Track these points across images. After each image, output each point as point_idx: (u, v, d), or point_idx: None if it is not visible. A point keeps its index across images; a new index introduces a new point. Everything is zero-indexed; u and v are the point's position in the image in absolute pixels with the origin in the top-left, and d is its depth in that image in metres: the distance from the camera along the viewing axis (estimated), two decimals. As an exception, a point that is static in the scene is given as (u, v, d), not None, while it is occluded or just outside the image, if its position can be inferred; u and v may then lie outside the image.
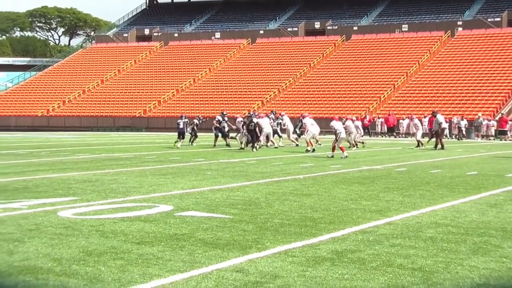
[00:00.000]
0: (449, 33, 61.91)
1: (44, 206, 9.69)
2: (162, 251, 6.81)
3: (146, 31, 74.45)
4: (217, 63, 64.60)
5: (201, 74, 62.80)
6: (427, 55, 58.93)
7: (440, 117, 28.24)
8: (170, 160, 19.25)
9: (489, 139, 41.59)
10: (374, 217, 9.26)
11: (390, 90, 54.25)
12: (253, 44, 68.06)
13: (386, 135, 47.12)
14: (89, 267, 6.05)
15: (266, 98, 56.16)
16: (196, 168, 16.67)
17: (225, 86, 59.59)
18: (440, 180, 14.36)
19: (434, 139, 28.72)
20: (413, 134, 33.29)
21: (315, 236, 7.76)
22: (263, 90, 57.78)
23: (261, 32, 69.98)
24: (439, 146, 27.31)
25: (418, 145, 28.30)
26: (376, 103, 52.66)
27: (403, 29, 65.67)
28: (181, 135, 27.86)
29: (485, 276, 6.00)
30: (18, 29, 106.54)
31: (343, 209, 10.00)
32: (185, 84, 61.10)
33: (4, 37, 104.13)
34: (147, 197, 10.97)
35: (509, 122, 42.21)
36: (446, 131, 44.29)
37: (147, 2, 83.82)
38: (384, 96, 53.51)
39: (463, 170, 17.12)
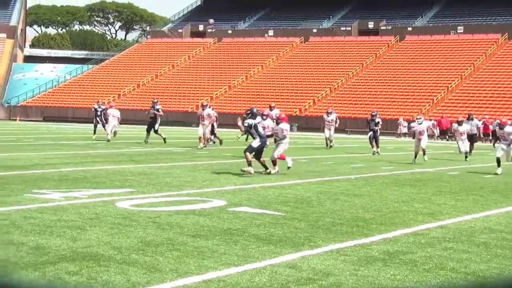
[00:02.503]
0: (506, 36, 60.69)
1: (103, 197, 10.02)
2: (216, 245, 6.99)
3: (201, 27, 75.13)
4: (269, 61, 64.77)
5: (254, 71, 63.08)
6: (482, 58, 57.92)
7: (477, 122, 27.91)
8: (222, 156, 19.49)
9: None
10: (426, 220, 9.27)
11: (443, 93, 53.54)
12: (306, 43, 67.99)
13: (439, 138, 46.52)
14: (147, 257, 6.27)
15: (318, 97, 56.09)
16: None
17: (277, 84, 59.73)
18: (494, 185, 14.21)
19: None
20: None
21: (367, 236, 7.83)
22: (315, 89, 57.71)
23: (314, 30, 69.82)
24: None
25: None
26: (429, 105, 52.05)
27: (458, 31, 64.61)
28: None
29: (539, 283, 5.99)
30: (78, 23, 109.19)
31: (395, 210, 10.03)
32: (238, 81, 61.48)
33: (64, 30, 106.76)
34: (201, 192, 11.20)
35: None
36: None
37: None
38: (437, 98, 52.84)
39: (517, 176, 16.86)
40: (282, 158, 15.20)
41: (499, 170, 16.57)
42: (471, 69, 56.33)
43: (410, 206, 10.59)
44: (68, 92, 64.30)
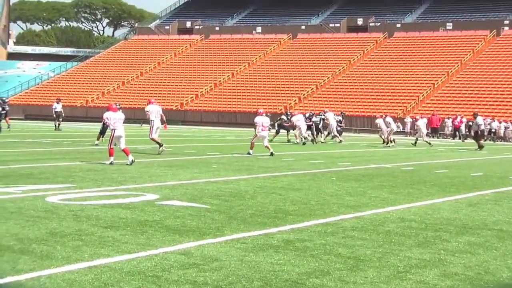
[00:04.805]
0: (495, 33, 61.00)
1: (37, 192, 10.22)
2: (123, 235, 7.30)
3: (188, 24, 75.32)
4: (256, 58, 65.05)
5: (240, 68, 63.37)
6: (470, 55, 58.25)
7: (480, 119, 28.81)
8: (183, 153, 19.80)
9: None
10: (347, 211, 9.57)
11: (429, 89, 53.86)
12: (294, 40, 68.32)
13: (430, 135, 46.01)
14: (46, 246, 6.58)
15: (304, 94, 56.42)
16: (205, 161, 17.18)
17: (263, 81, 60.05)
18: (439, 180, 14.53)
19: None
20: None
21: (277, 226, 8.14)
22: (301, 86, 58.04)
23: (303, 27, 70.16)
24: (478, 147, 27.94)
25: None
26: (415, 103, 52.36)
27: (447, 27, 64.98)
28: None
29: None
30: (64, 19, 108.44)
31: (322, 203, 10.34)
32: (223, 78, 61.76)
33: (49, 26, 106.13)
34: (140, 187, 11.51)
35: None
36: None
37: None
38: (423, 95, 53.16)
39: (470, 171, 17.22)
40: None
41: None
42: (458, 66, 56.67)
43: (340, 199, 10.91)
44: (51, 90, 64.29)
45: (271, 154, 19.72)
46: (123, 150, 15.61)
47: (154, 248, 6.71)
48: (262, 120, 20.39)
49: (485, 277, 6.04)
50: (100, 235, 7.24)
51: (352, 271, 6.06)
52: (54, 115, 34.77)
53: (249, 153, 19.82)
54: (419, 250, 7.04)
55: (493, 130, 42.51)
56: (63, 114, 35.41)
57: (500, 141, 42.57)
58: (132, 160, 15.25)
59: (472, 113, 34.25)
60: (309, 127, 29.17)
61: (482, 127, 29.13)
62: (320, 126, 30.73)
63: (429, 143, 29.50)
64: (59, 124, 33.90)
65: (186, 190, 11.25)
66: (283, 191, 11.66)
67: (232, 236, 7.46)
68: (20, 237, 6.95)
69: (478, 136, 28.75)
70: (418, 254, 6.82)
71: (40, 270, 5.70)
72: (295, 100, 55.65)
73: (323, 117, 31.12)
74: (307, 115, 30.53)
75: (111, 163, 15.24)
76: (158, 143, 19.05)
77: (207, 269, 5.96)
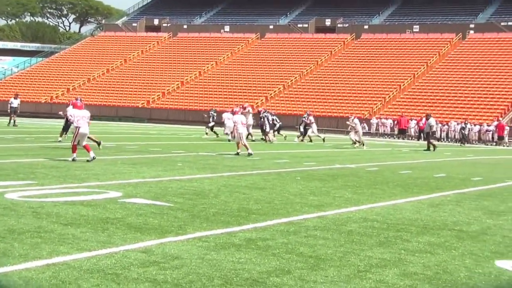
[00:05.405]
0: (460, 36, 61.73)
1: (-4, 188, 10.16)
2: (83, 232, 7.22)
3: (156, 22, 74.72)
4: (224, 57, 64.90)
5: (208, 67, 63.14)
6: (436, 57, 58.86)
7: (432, 120, 29.14)
8: (149, 151, 19.65)
9: (487, 144, 41.87)
10: (310, 210, 9.62)
11: (395, 91, 54.32)
12: (262, 39, 68.30)
13: (395, 136, 46.20)
14: (3, 243, 6.46)
15: (271, 94, 56.45)
16: (169, 159, 17.08)
17: (230, 80, 59.89)
18: (402, 180, 14.68)
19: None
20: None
21: (240, 225, 8.15)
22: (269, 85, 58.03)
23: (271, 27, 70.15)
24: (431, 148, 28.11)
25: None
26: (381, 104, 52.75)
27: (414, 30, 65.53)
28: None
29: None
30: (29, 14, 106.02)
31: (286, 202, 10.36)
32: (191, 77, 61.48)
33: (14, 21, 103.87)
34: (103, 184, 11.39)
35: (507, 128, 42.37)
36: (439, 134, 44.57)
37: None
38: (389, 96, 53.58)
39: (433, 172, 17.42)
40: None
41: None
42: (424, 68, 57.21)
43: (304, 198, 10.94)
44: (14, 86, 62.82)
45: (237, 153, 19.71)
46: (84, 147, 15.47)
47: (114, 246, 6.65)
48: (241, 119, 20.63)
49: (443, 276, 6.12)
50: (60, 232, 7.15)
51: (312, 270, 6.08)
52: (9, 110, 34.33)
53: (250, 154, 19.65)
54: (380, 249, 7.10)
55: (466, 133, 42.97)
56: (18, 111, 34.66)
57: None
58: (93, 157, 15.12)
59: (426, 115, 34.46)
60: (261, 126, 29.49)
61: (434, 128, 29.69)
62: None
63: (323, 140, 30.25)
64: (14, 121, 33.30)
65: (150, 188, 11.18)
66: (247, 190, 11.65)
67: (194, 235, 7.43)
68: (-24, 234, 6.82)
69: (429, 136, 29.23)
70: (379, 254, 6.87)
71: (-5, 267, 5.60)
72: (262, 99, 55.65)
73: (267, 115, 30.95)
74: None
75: (73, 160, 15.07)
76: (95, 141, 18.32)
77: (167, 267, 5.93)
